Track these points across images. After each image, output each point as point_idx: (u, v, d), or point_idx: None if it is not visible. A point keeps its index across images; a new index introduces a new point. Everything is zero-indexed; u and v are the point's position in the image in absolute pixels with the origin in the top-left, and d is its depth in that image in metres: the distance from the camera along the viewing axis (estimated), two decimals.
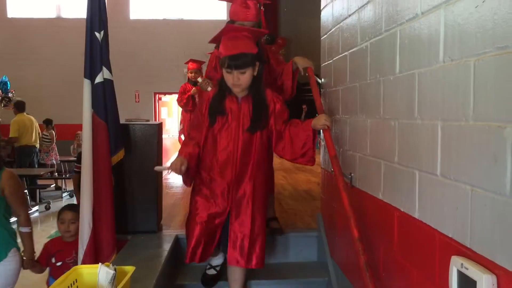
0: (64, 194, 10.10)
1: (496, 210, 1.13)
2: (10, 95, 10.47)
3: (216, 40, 2.58)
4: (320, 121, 2.42)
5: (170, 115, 13.60)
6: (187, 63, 6.47)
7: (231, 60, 2.36)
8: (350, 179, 2.41)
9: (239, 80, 2.40)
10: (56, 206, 9.27)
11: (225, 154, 2.49)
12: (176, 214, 3.96)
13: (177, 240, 3.19)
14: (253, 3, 2.89)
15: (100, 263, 1.90)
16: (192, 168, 2.49)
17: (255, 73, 2.45)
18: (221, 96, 2.51)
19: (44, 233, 7.44)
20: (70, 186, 10.23)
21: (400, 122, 1.75)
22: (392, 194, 1.85)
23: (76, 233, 2.89)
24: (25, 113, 9.24)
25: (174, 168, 2.37)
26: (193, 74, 6.23)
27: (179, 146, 6.67)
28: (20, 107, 9.21)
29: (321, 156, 3.23)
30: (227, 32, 2.45)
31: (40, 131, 9.71)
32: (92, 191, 2.84)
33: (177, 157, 2.45)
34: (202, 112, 2.54)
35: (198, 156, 2.52)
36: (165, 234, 3.27)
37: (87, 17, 2.83)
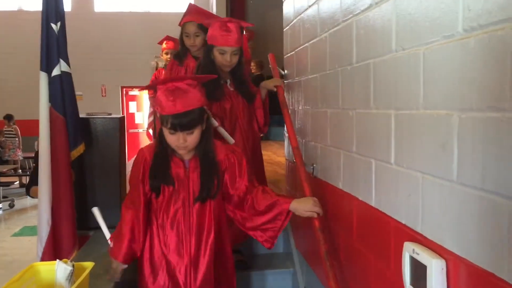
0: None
1: (444, 196, 1.15)
2: None
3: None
4: (307, 206, 1.99)
5: (140, 109, 13.41)
6: (162, 42, 5.62)
7: (175, 119, 1.86)
8: (312, 169, 2.43)
9: (185, 142, 1.91)
10: (20, 203, 9.06)
11: (175, 235, 2.01)
12: None
13: None
14: (234, 25, 2.54)
15: (57, 260, 1.86)
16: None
17: (204, 128, 1.97)
18: (164, 159, 1.99)
19: (9, 231, 7.27)
20: None
21: (358, 112, 1.76)
22: (351, 183, 1.87)
23: None
24: None
25: (112, 276, 2.06)
26: (169, 56, 5.34)
27: (148, 141, 6.56)
28: None
29: (285, 147, 3.24)
30: (165, 83, 1.93)
31: None
32: (51, 187, 2.77)
33: (112, 260, 2.04)
34: (140, 178, 2.00)
35: (138, 248, 2.04)
36: None
37: (43, 8, 2.75)
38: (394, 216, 1.46)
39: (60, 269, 1.81)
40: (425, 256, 1.19)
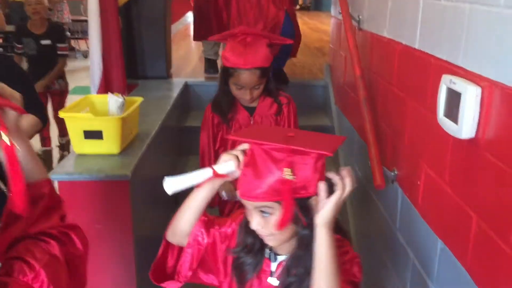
0: (77, 55, 10.15)
1: (489, 23, 1.14)
2: None
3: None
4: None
5: None
6: None
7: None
8: (358, 21, 2.39)
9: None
10: (71, 65, 9.38)
11: None
12: (186, 63, 4.00)
13: (186, 86, 3.28)
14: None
15: (109, 92, 1.99)
16: None
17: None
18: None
19: None
20: (83, 47, 10.25)
21: None
22: (396, 29, 1.85)
23: None
24: None
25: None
26: None
27: None
28: None
29: (332, 3, 3.15)
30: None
31: None
32: (101, 35, 2.85)
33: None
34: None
35: None
36: (174, 81, 3.35)
37: None
38: (436, 53, 1.45)
39: (112, 100, 1.94)
40: (461, 84, 1.21)
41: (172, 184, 1.08)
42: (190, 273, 1.25)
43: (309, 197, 1.06)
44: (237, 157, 1.08)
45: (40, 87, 3.99)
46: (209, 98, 3.33)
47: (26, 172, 0.93)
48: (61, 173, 1.70)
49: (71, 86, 7.72)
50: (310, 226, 1.06)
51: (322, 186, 1.03)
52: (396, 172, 1.83)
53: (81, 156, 1.83)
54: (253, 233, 1.16)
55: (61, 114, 1.80)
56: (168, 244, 1.27)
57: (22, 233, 0.89)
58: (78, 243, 0.97)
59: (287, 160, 1.03)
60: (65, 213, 0.99)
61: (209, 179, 1.10)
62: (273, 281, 1.18)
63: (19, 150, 0.91)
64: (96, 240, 1.76)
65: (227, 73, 1.86)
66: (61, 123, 4.37)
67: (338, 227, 1.14)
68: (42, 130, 2.36)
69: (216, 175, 1.09)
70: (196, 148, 3.13)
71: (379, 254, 2.08)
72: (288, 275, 1.14)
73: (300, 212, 1.07)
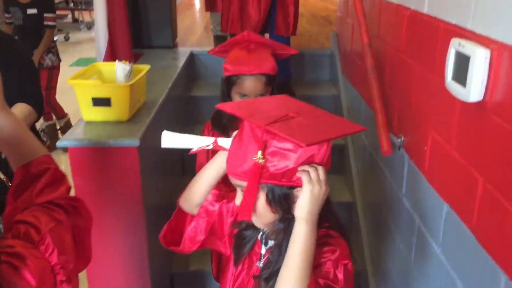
0: (81, 26, 10.09)
1: None
2: None
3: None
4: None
5: None
6: None
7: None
8: None
9: None
10: (75, 37, 9.35)
11: None
12: (192, 33, 3.98)
13: (192, 56, 3.27)
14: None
15: (117, 60, 1.99)
16: None
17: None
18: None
19: (65, 62, 7.61)
20: (87, 18, 10.18)
21: None
22: None
23: None
24: None
25: None
26: None
27: None
28: None
29: None
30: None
31: None
32: (106, 3, 2.83)
33: None
34: None
35: None
36: (180, 50, 3.34)
37: None
38: (445, 18, 1.44)
39: (119, 68, 1.94)
40: (470, 47, 1.20)
41: (169, 139, 1.07)
42: (196, 245, 1.25)
43: (292, 187, 0.99)
44: None
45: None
46: (214, 68, 3.36)
47: (23, 150, 0.96)
48: (71, 140, 1.71)
49: (75, 57, 7.77)
50: (290, 218, 1.01)
51: (304, 178, 0.95)
52: (402, 139, 1.84)
53: (90, 123, 1.84)
54: None
55: (69, 81, 1.80)
56: (180, 211, 1.27)
57: (29, 203, 0.91)
58: (84, 214, 0.99)
59: (263, 141, 0.96)
60: (70, 186, 1.01)
61: (206, 147, 1.08)
62: (261, 265, 1.15)
63: (7, 126, 0.93)
64: (106, 207, 1.80)
65: (229, 82, 1.68)
66: (54, 108, 4.24)
67: (336, 224, 1.10)
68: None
69: (216, 145, 1.07)
70: (202, 118, 3.16)
71: (384, 220, 2.11)
72: (268, 264, 1.09)
73: (278, 201, 1.00)
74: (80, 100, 1.83)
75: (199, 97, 3.13)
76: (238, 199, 1.05)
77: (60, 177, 0.99)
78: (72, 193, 1.02)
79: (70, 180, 1.13)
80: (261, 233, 1.15)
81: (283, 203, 1.00)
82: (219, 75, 3.39)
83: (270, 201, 1.01)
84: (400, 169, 1.87)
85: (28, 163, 0.95)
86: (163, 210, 2.34)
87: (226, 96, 1.74)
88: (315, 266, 1.00)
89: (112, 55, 2.92)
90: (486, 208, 1.20)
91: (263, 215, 1.04)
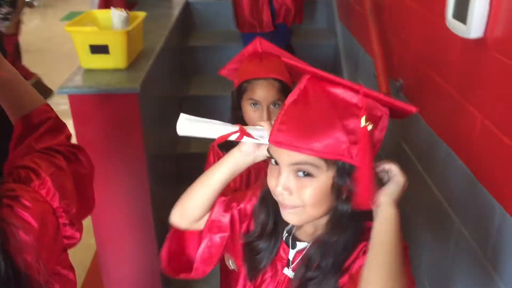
0: None
1: None
2: None
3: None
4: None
5: None
6: None
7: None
8: None
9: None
10: None
11: None
12: None
13: (187, 4, 3.22)
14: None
15: (112, 7, 1.96)
16: None
17: None
18: None
19: (56, 15, 7.46)
20: None
21: None
22: None
23: None
24: None
25: None
26: None
27: None
28: None
29: None
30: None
31: None
32: None
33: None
34: None
35: None
36: None
37: None
38: None
39: (115, 15, 1.91)
40: None
41: (186, 125, 0.90)
42: (212, 266, 1.03)
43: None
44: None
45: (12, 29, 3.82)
46: (210, 17, 3.31)
47: (22, 99, 0.94)
48: (71, 87, 1.71)
49: (66, 11, 7.59)
50: (349, 201, 0.83)
51: (395, 168, 0.82)
52: (401, 82, 1.85)
53: (89, 71, 1.84)
54: (266, 208, 0.95)
55: (67, 28, 1.78)
56: (177, 231, 1.05)
57: (29, 150, 0.91)
58: (85, 162, 0.97)
59: (365, 106, 0.78)
60: (70, 134, 0.99)
61: (229, 136, 0.89)
62: (289, 272, 0.94)
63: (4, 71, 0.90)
64: (109, 155, 1.82)
65: (240, 91, 1.51)
66: (19, 69, 4.11)
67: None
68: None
69: (242, 132, 0.88)
70: (199, 69, 3.15)
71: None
72: (308, 267, 0.89)
73: (344, 184, 0.82)
74: (78, 48, 1.81)
75: (196, 47, 3.10)
76: (283, 180, 0.82)
77: (60, 125, 0.98)
78: (74, 141, 1.02)
79: (71, 129, 1.11)
80: (286, 234, 0.96)
81: (350, 187, 0.81)
82: (215, 24, 3.38)
83: (337, 184, 0.82)
84: None
85: (28, 114, 0.94)
86: (165, 158, 2.37)
87: (237, 109, 1.54)
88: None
89: (105, 5, 2.87)
90: (484, 145, 1.23)
91: (319, 204, 0.84)
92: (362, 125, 0.77)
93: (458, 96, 1.37)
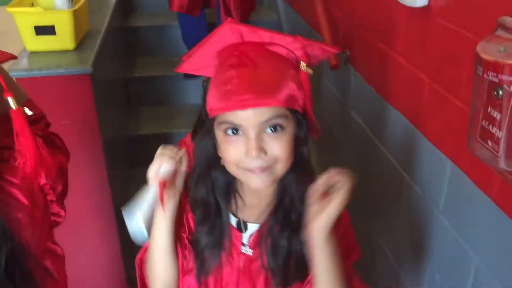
0: None
1: None
2: None
3: None
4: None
5: None
6: None
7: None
8: None
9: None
10: None
11: None
12: None
13: None
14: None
15: None
16: None
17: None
18: None
19: None
20: None
21: None
22: None
23: None
24: None
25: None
26: None
27: None
28: None
29: None
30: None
31: None
32: None
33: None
34: None
35: None
36: None
37: None
38: None
39: None
40: None
41: (135, 218, 0.85)
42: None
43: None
44: (167, 154, 0.85)
45: None
46: None
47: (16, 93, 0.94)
48: (19, 70, 1.65)
49: None
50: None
51: (347, 184, 0.78)
52: (348, 54, 1.92)
53: (35, 53, 1.77)
54: (204, 184, 0.91)
55: (8, 9, 1.70)
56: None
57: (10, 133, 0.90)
58: (62, 147, 1.04)
59: (304, 53, 0.83)
60: (49, 122, 1.05)
61: (162, 189, 0.85)
62: (248, 250, 0.93)
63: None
64: (63, 137, 1.78)
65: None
66: None
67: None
68: None
69: (162, 184, 0.84)
70: (142, 49, 3.09)
71: (332, 132, 2.21)
72: (270, 238, 0.89)
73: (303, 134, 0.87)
74: (21, 30, 1.74)
75: (138, 27, 3.04)
76: (256, 146, 0.79)
77: (41, 115, 1.05)
78: None
79: None
80: (232, 217, 0.94)
81: (307, 137, 0.86)
82: (155, 5, 3.31)
83: (297, 134, 0.85)
84: (347, 84, 1.97)
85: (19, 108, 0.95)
86: (118, 141, 2.34)
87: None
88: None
89: None
90: (432, 106, 1.33)
91: (290, 156, 0.84)
92: (302, 67, 0.81)
93: (405, 62, 1.46)
